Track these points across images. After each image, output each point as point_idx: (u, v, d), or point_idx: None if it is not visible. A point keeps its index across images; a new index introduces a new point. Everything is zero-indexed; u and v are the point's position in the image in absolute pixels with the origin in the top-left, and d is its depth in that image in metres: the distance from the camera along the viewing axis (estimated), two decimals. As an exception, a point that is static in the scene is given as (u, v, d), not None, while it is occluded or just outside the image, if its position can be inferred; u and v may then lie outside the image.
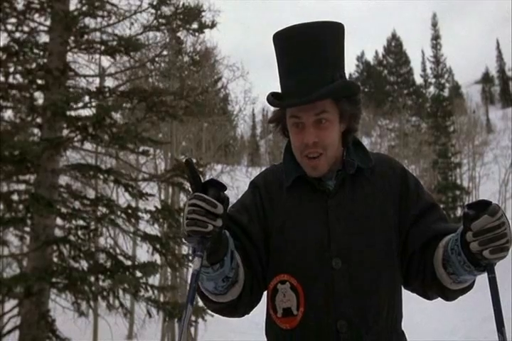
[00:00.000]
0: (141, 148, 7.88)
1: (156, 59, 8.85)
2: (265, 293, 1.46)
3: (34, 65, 7.59)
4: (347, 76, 1.49)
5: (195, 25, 8.19)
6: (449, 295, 1.39)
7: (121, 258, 7.21)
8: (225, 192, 1.24)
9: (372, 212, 1.41)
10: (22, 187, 8.62)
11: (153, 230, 8.07)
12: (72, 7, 7.73)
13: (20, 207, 7.00)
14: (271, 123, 1.51)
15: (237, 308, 1.39)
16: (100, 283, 6.77)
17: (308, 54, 1.38)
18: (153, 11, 7.97)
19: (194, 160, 7.83)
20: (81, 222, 7.14)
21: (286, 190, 1.47)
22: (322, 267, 1.37)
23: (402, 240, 1.41)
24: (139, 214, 7.29)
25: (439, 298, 1.47)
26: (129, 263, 7.18)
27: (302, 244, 1.40)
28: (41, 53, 7.61)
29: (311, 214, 1.42)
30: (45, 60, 7.59)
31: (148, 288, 6.81)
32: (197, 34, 8.69)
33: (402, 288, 1.46)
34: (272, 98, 1.44)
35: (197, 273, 1.20)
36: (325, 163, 1.41)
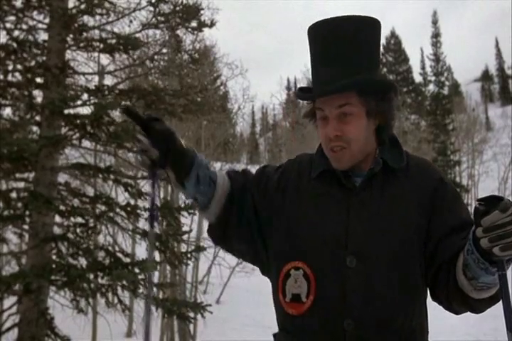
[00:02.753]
0: (139, 146, 7.86)
1: (155, 57, 8.83)
2: (269, 277, 1.52)
3: (33, 63, 7.58)
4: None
5: (194, 24, 8.17)
6: (474, 306, 1.34)
7: (120, 255, 7.21)
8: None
9: (397, 213, 1.38)
10: (21, 185, 8.62)
11: (152, 228, 8.05)
12: (70, 5, 7.72)
13: (19, 204, 7.01)
14: (305, 117, 1.52)
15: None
16: (99, 280, 6.78)
17: (336, 48, 1.39)
18: (151, 8, 7.95)
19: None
20: (80, 220, 7.14)
21: (313, 180, 1.48)
22: (337, 264, 1.37)
23: (431, 249, 1.36)
24: (138, 211, 7.29)
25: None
26: (128, 260, 7.18)
27: (320, 238, 1.40)
28: (40, 51, 7.60)
29: (333, 210, 1.42)
30: (44, 58, 7.58)
31: (147, 285, 6.81)
32: (196, 32, 8.67)
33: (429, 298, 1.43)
34: (298, 91, 1.47)
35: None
36: (348, 157, 1.41)
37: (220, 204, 1.52)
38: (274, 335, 1.50)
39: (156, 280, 12.72)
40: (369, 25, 1.42)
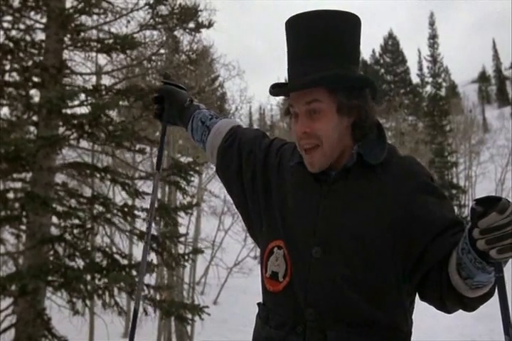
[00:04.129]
0: (137, 146, 7.86)
1: (153, 57, 8.83)
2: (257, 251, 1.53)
3: (30, 63, 7.57)
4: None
5: (191, 25, 8.17)
6: (468, 305, 1.30)
7: (117, 257, 7.20)
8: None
9: (370, 208, 1.35)
10: (18, 185, 8.61)
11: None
12: (68, 5, 7.71)
13: (16, 205, 6.99)
14: (285, 115, 1.51)
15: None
16: (96, 281, 6.77)
17: (307, 42, 1.36)
18: (149, 10, 7.95)
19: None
20: (77, 221, 7.13)
21: (292, 168, 1.49)
22: (305, 253, 1.37)
23: (420, 251, 1.32)
24: (136, 212, 7.28)
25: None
26: (125, 262, 7.17)
27: (295, 226, 1.41)
28: (37, 51, 7.58)
29: (307, 198, 1.42)
30: (41, 58, 7.57)
31: (145, 288, 6.80)
32: (193, 33, 8.68)
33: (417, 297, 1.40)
34: (271, 87, 1.45)
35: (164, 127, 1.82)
36: (321, 156, 1.38)
37: (212, 152, 1.70)
38: (258, 304, 1.53)
39: (153, 281, 12.70)
40: (345, 21, 1.38)
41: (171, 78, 1.86)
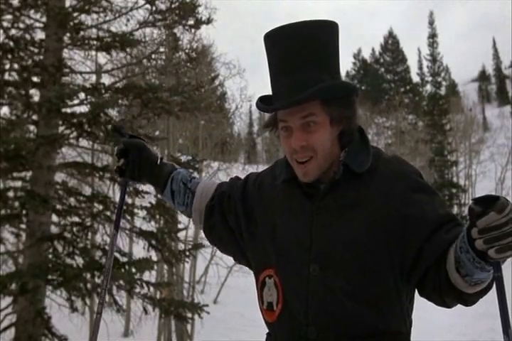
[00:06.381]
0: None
1: (153, 56, 8.83)
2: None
3: (30, 62, 7.57)
4: (343, 74, 1.44)
5: (191, 21, 8.16)
6: (468, 300, 1.30)
7: (117, 255, 7.20)
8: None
9: (361, 218, 1.35)
10: (18, 184, 8.61)
11: (149, 227, 8.07)
12: (67, 3, 7.71)
13: (16, 204, 6.99)
14: (266, 127, 1.48)
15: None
16: (96, 279, 6.77)
17: (295, 55, 1.35)
18: (148, 7, 7.95)
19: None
20: (76, 219, 7.14)
21: (278, 189, 1.48)
22: (301, 271, 1.37)
23: (416, 251, 1.31)
24: (135, 210, 7.28)
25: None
26: (125, 259, 7.18)
27: (286, 246, 1.41)
28: (37, 50, 7.58)
29: (297, 217, 1.42)
30: (41, 57, 7.56)
31: (144, 285, 6.81)
32: (193, 30, 8.67)
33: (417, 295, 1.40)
34: (259, 102, 1.43)
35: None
36: (315, 167, 1.38)
37: (200, 213, 1.64)
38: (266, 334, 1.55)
39: (153, 279, 12.71)
40: (326, 29, 1.39)
41: (123, 129, 1.69)
